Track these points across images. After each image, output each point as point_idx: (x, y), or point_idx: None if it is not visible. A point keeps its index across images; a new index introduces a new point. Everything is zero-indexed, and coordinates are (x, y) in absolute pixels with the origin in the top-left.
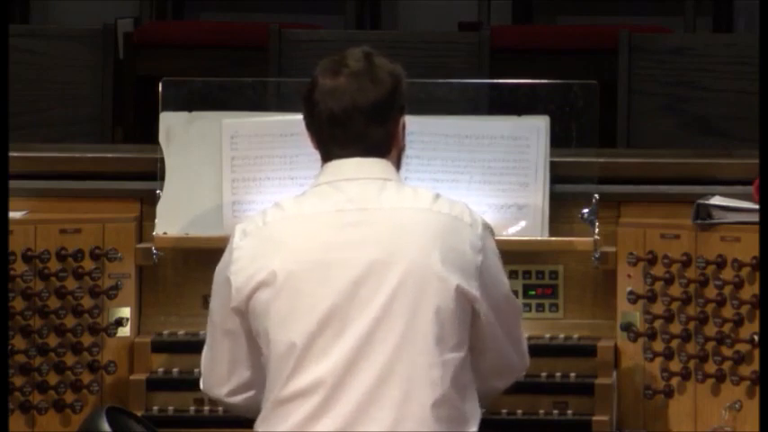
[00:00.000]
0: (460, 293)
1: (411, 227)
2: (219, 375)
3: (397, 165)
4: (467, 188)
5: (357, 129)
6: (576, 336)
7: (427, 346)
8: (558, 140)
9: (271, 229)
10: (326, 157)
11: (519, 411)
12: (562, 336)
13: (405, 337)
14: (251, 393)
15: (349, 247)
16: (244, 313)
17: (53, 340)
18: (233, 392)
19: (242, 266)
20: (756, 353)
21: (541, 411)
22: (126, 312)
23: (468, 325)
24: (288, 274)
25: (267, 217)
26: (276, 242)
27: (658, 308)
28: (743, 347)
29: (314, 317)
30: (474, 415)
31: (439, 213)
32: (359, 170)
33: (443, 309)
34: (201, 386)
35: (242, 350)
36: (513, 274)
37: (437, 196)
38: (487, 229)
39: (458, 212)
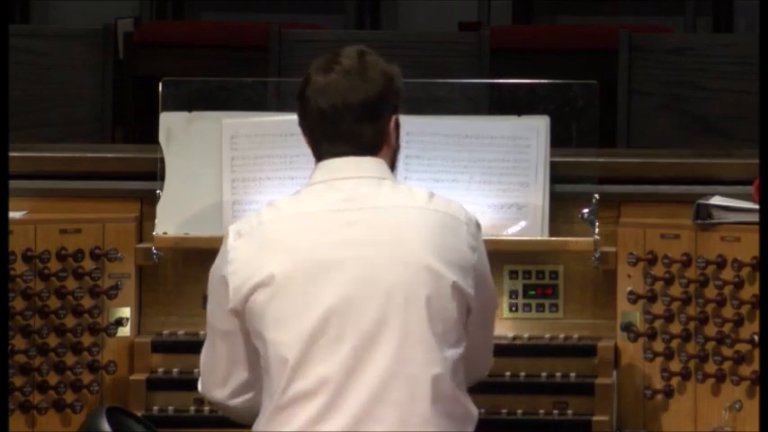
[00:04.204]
0: (457, 290)
1: (408, 225)
2: (218, 377)
3: (392, 164)
4: (467, 188)
5: (346, 126)
6: (576, 336)
7: (428, 343)
8: (558, 140)
9: (266, 228)
10: (319, 155)
11: (519, 411)
12: (562, 336)
13: (406, 336)
14: (250, 395)
15: (347, 246)
16: (241, 314)
17: (53, 340)
18: (232, 395)
19: (238, 267)
20: (756, 353)
21: (541, 411)
22: (126, 312)
23: (464, 321)
24: (285, 274)
25: (262, 217)
26: (272, 242)
27: (658, 308)
28: (743, 347)
29: (313, 318)
30: (473, 411)
31: (436, 212)
32: (354, 169)
33: (442, 306)
34: (200, 388)
35: (240, 351)
36: (513, 274)
37: (432, 195)
38: (479, 227)
39: (453, 211)
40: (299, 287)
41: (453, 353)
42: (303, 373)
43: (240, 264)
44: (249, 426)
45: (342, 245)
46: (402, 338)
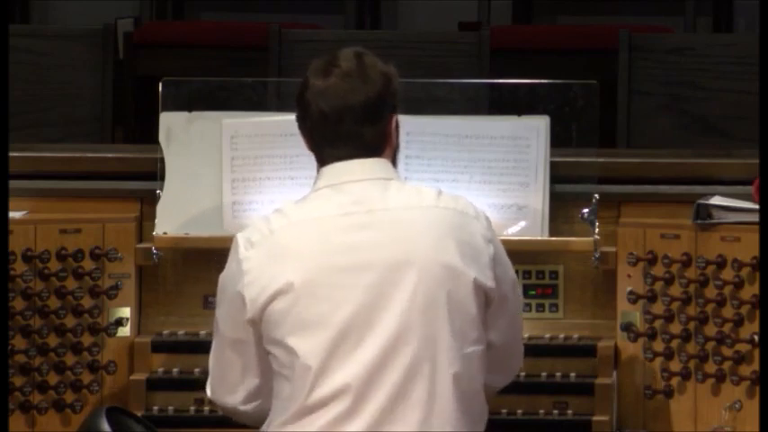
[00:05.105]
0: (477, 286)
1: (421, 225)
2: (230, 384)
3: (393, 164)
4: (467, 188)
5: (349, 128)
6: (576, 336)
7: (448, 341)
8: (558, 140)
9: (278, 236)
10: (321, 159)
11: (519, 411)
12: (562, 336)
13: (427, 336)
14: (260, 401)
15: (362, 250)
16: (257, 324)
17: (53, 340)
18: (244, 401)
19: (254, 278)
20: (756, 353)
21: (541, 411)
22: (126, 312)
23: (483, 318)
24: (304, 281)
25: (272, 225)
26: (287, 250)
27: (658, 308)
28: (743, 347)
29: (335, 324)
30: (487, 408)
31: (446, 209)
32: (359, 171)
33: (462, 303)
34: (209, 394)
35: (252, 358)
36: None
37: (439, 192)
38: (489, 221)
39: (462, 207)
40: (318, 293)
41: (472, 351)
42: (326, 379)
43: (255, 274)
44: (253, 426)
45: (356, 249)
46: (423, 338)
